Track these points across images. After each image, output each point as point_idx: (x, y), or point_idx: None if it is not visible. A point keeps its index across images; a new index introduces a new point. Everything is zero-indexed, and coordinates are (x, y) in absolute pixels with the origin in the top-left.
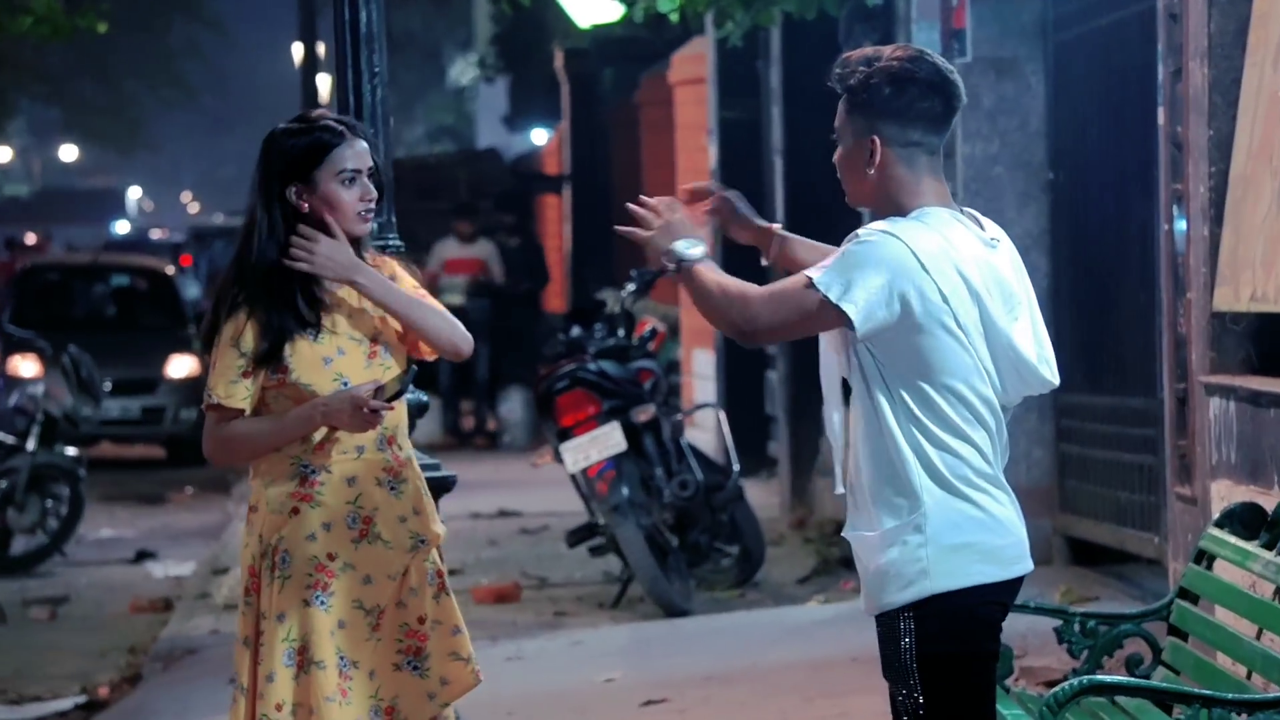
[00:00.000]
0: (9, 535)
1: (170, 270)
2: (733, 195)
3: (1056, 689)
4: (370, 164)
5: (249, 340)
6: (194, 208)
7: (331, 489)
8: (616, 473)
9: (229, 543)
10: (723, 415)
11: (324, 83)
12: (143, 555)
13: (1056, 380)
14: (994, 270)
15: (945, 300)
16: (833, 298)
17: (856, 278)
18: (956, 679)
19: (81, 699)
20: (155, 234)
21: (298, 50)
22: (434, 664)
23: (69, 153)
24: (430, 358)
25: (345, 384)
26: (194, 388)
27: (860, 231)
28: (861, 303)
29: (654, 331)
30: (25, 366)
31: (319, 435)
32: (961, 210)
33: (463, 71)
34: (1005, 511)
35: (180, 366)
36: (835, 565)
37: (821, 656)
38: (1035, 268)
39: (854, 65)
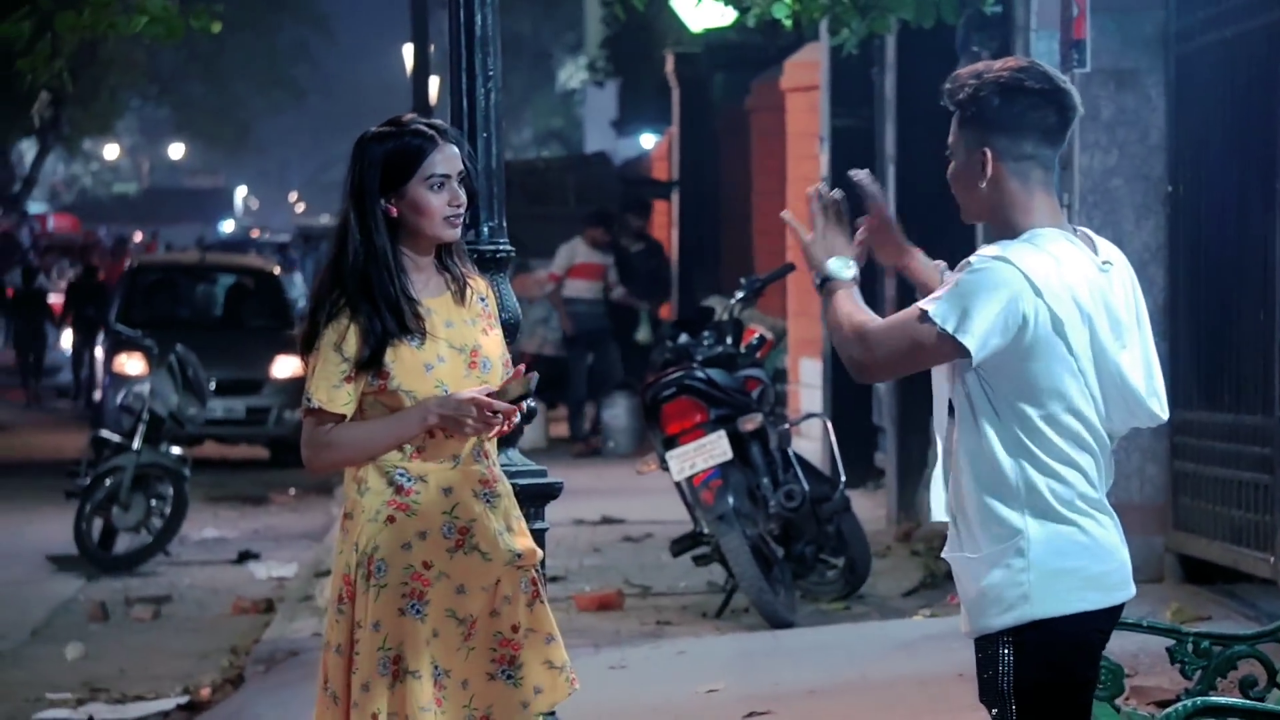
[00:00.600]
0: (113, 534)
1: (276, 270)
2: (888, 214)
3: (1169, 710)
4: (460, 169)
5: (352, 345)
6: (300, 208)
7: (428, 498)
8: (722, 482)
9: (332, 545)
10: (830, 425)
11: (434, 85)
12: (245, 556)
13: (1165, 415)
14: (1105, 295)
15: (1057, 324)
16: (949, 329)
17: (972, 307)
18: (1052, 706)
19: (184, 699)
20: (255, 234)
21: (408, 52)
22: (527, 673)
23: (177, 151)
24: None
25: (445, 391)
26: (299, 389)
27: (972, 259)
28: (979, 333)
29: (761, 339)
30: (132, 365)
31: (415, 442)
32: (1075, 230)
33: (572, 75)
34: (1109, 536)
35: (285, 367)
36: (942, 579)
37: (928, 672)
38: (1152, 282)
39: (963, 80)
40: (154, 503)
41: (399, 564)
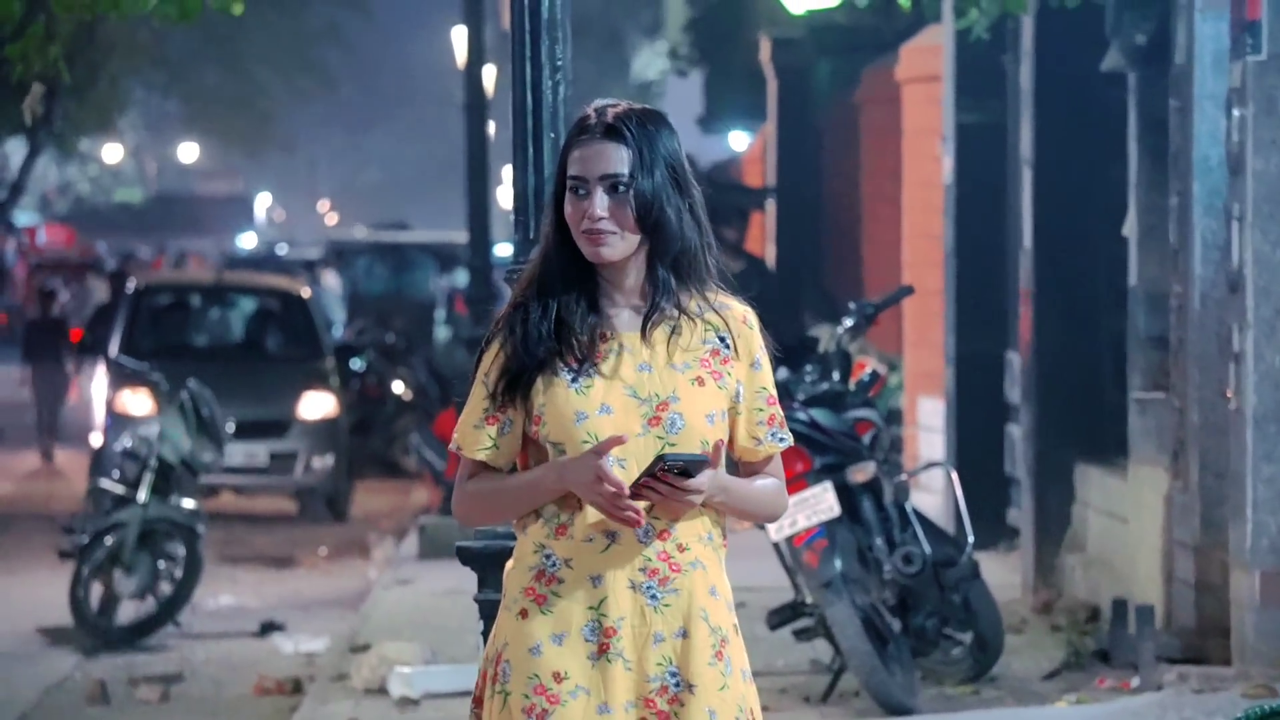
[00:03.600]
0: (114, 600)
1: (305, 292)
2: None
3: None
4: (609, 172)
5: (494, 375)
6: (332, 218)
7: (570, 589)
8: (828, 542)
9: (370, 615)
10: (954, 475)
11: (490, 75)
12: (269, 627)
13: None
14: None
15: None
16: None
17: None
18: None
19: None
20: (282, 249)
21: (460, 37)
22: None
23: (189, 152)
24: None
25: None
26: (330, 430)
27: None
28: None
29: (874, 375)
30: (136, 403)
31: (562, 515)
32: None
33: (650, 63)
34: None
35: (315, 406)
36: (1088, 658)
37: None
38: None
39: None
40: (162, 564)
41: (524, 672)
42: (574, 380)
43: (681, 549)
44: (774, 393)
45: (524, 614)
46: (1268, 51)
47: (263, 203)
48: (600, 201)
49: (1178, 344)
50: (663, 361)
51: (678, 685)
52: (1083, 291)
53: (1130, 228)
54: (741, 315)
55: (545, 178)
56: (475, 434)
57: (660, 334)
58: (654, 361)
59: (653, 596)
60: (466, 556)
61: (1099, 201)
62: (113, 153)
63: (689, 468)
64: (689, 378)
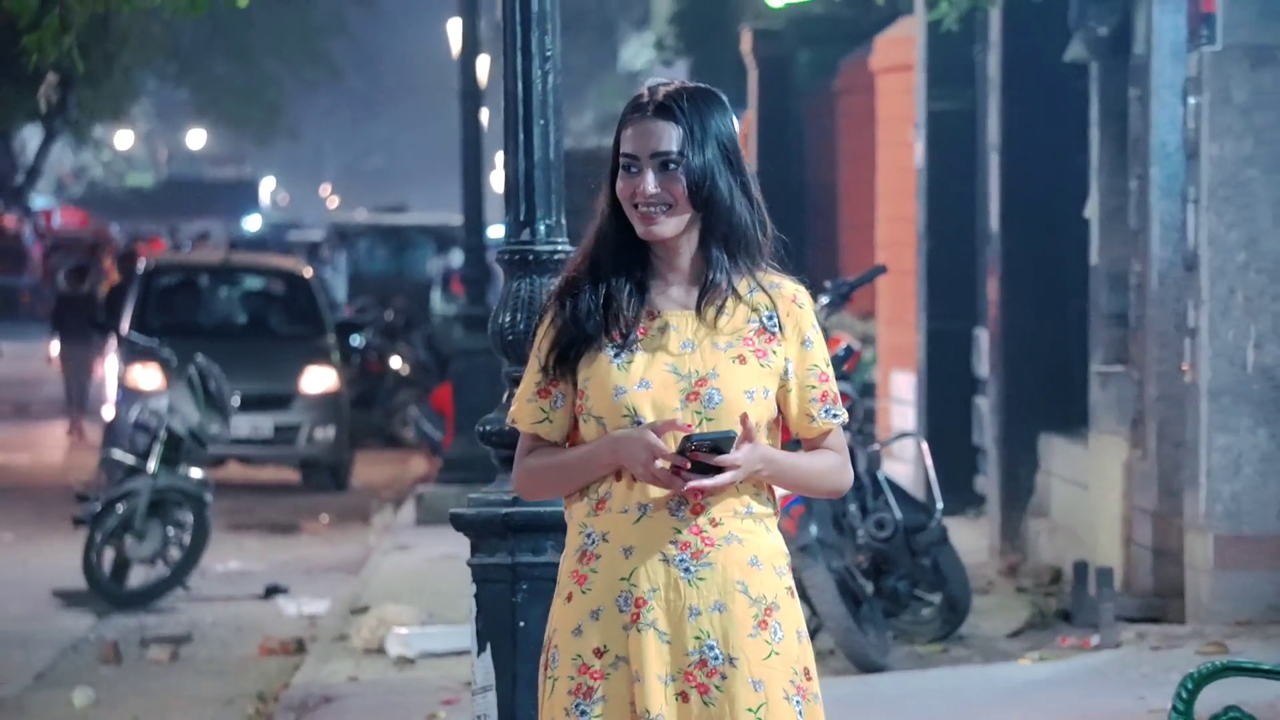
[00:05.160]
0: (126, 565)
1: (308, 272)
2: None
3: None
4: (660, 149)
5: (546, 347)
6: (333, 202)
7: (605, 563)
8: (805, 509)
9: (369, 579)
10: (925, 446)
11: (484, 65)
12: (273, 590)
13: None
14: None
15: None
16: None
17: None
18: None
19: None
20: (294, 233)
21: (454, 28)
22: None
23: (197, 138)
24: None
25: (639, 424)
26: (332, 404)
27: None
28: None
29: (849, 350)
30: (146, 378)
31: (601, 490)
32: None
33: (637, 53)
34: None
35: (317, 380)
36: (1052, 618)
37: None
38: None
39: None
40: (172, 531)
41: (569, 653)
42: (616, 355)
43: (715, 523)
44: (827, 370)
45: (569, 598)
46: (1223, 42)
47: (267, 187)
48: (651, 179)
49: (1137, 320)
50: (707, 340)
51: (717, 659)
52: (1047, 271)
53: (1092, 210)
54: (792, 294)
55: (535, 163)
56: (528, 407)
57: (709, 312)
58: (698, 339)
59: (686, 570)
60: (460, 523)
61: (1063, 185)
62: (125, 139)
63: (719, 444)
64: (731, 355)
